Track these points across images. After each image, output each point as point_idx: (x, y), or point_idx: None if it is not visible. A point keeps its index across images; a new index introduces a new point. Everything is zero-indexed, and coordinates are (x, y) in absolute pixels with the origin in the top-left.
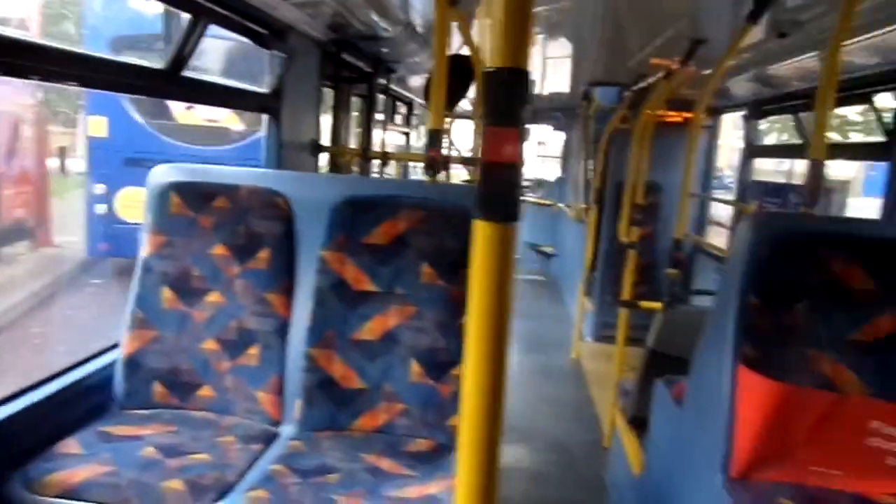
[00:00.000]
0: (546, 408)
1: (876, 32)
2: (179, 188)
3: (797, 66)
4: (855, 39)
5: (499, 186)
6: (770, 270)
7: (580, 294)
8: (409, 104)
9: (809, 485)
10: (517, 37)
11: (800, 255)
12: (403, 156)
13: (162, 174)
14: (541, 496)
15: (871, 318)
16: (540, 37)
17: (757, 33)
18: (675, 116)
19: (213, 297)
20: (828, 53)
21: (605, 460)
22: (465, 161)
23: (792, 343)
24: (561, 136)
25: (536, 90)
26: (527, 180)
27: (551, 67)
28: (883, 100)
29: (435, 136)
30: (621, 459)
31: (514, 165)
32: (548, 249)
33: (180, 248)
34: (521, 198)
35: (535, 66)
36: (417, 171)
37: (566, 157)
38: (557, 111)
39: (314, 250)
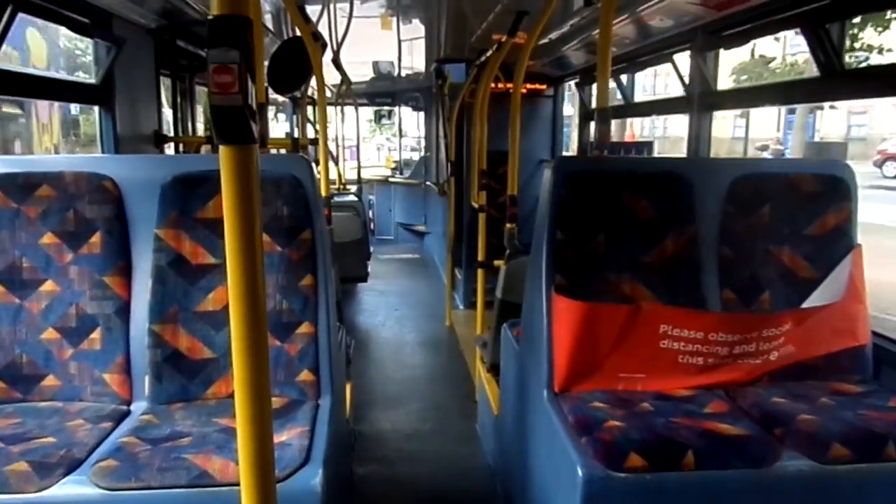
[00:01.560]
0: (422, 373)
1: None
2: None
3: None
4: (647, 4)
5: (229, 116)
6: (570, 207)
7: (448, 264)
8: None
9: (619, 389)
10: None
11: (594, 191)
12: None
13: None
14: (415, 451)
15: (657, 242)
16: (393, 20)
17: (577, 3)
18: (503, 88)
19: (48, 287)
20: (601, 25)
21: (475, 411)
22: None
23: (595, 269)
24: (421, 116)
25: (395, 72)
26: (395, 162)
27: (406, 49)
28: (682, 59)
29: (259, 110)
30: (485, 406)
31: (237, 97)
32: (420, 228)
33: (6, 240)
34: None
35: (392, 50)
36: None
37: (428, 136)
38: (416, 92)
39: (149, 229)
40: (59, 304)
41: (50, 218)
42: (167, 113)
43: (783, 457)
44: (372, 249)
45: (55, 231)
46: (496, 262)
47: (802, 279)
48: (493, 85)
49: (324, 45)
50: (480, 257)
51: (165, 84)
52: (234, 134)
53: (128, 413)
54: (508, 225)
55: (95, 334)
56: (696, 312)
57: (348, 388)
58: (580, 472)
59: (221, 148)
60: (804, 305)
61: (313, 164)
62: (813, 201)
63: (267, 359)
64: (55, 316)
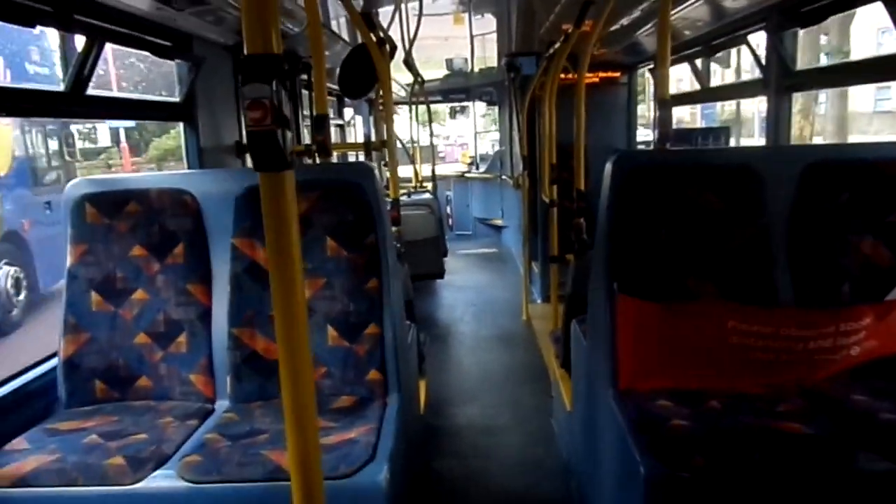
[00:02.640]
0: (498, 368)
1: None
2: (93, 199)
3: (682, 17)
4: None
5: (264, 145)
6: (632, 202)
7: (525, 259)
8: (339, 97)
9: (686, 387)
10: (264, 28)
11: (657, 186)
12: (336, 146)
13: (76, 187)
14: (490, 446)
15: (724, 236)
16: (465, 16)
17: None
18: (573, 79)
19: (139, 295)
20: (660, 4)
21: (551, 407)
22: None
23: (659, 265)
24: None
25: (468, 68)
26: (470, 157)
27: (479, 44)
28: (758, 38)
29: (320, 121)
30: (559, 401)
31: (270, 129)
32: (497, 222)
33: (101, 254)
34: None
35: (465, 45)
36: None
37: (501, 131)
38: (489, 86)
39: (226, 240)
40: (148, 311)
41: (138, 232)
42: None
43: (859, 458)
44: (449, 245)
45: (143, 244)
46: (568, 257)
47: (885, 270)
48: (563, 76)
49: (393, 48)
50: (553, 252)
51: None
52: (269, 161)
53: (212, 411)
54: (576, 219)
55: (181, 338)
56: (766, 308)
57: (423, 384)
58: (642, 471)
59: (260, 174)
60: (888, 298)
61: (376, 170)
62: None
63: (309, 362)
64: (145, 322)
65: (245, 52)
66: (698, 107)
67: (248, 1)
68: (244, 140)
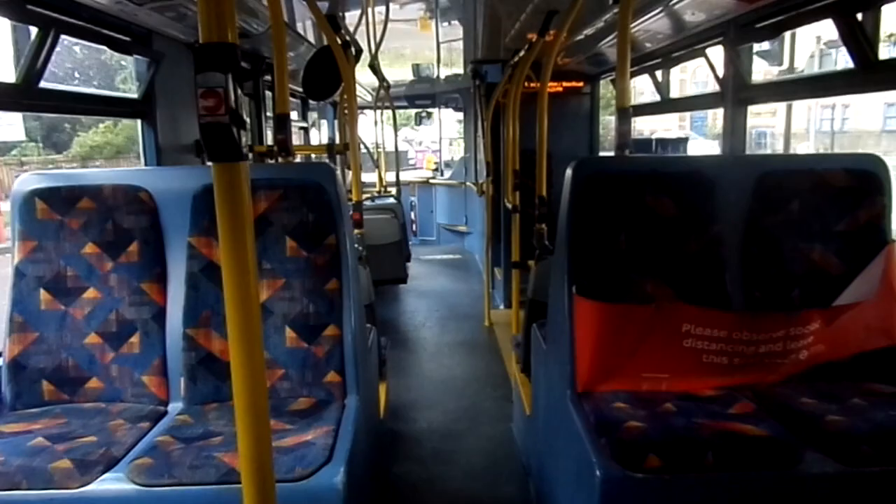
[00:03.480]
0: (460, 373)
1: None
2: (43, 194)
3: (643, 29)
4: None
5: (217, 135)
6: (591, 207)
7: (486, 265)
8: (303, 100)
9: (643, 389)
10: (220, 15)
11: (616, 192)
12: (299, 148)
13: (25, 182)
14: (450, 451)
15: (680, 241)
16: (431, 22)
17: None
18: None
19: (90, 294)
20: (619, 16)
21: (511, 412)
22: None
23: (617, 269)
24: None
25: (435, 74)
26: (434, 163)
27: (445, 51)
28: (715, 53)
29: (282, 121)
30: (519, 406)
31: (224, 118)
32: (461, 228)
33: (52, 250)
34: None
35: (432, 52)
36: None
37: (466, 137)
38: (455, 93)
39: (182, 238)
40: (100, 311)
41: (91, 229)
42: None
43: (807, 458)
44: (413, 251)
45: (96, 241)
46: (530, 263)
47: (833, 277)
48: (527, 84)
49: (359, 52)
50: (514, 257)
51: None
52: (223, 152)
53: (165, 413)
54: (538, 225)
55: (134, 338)
56: (719, 311)
57: (383, 388)
58: (598, 473)
59: (213, 165)
60: (835, 304)
61: (338, 171)
62: (844, 196)
63: (261, 362)
64: (97, 321)
65: (200, 39)
66: (687, 118)
67: None
68: None
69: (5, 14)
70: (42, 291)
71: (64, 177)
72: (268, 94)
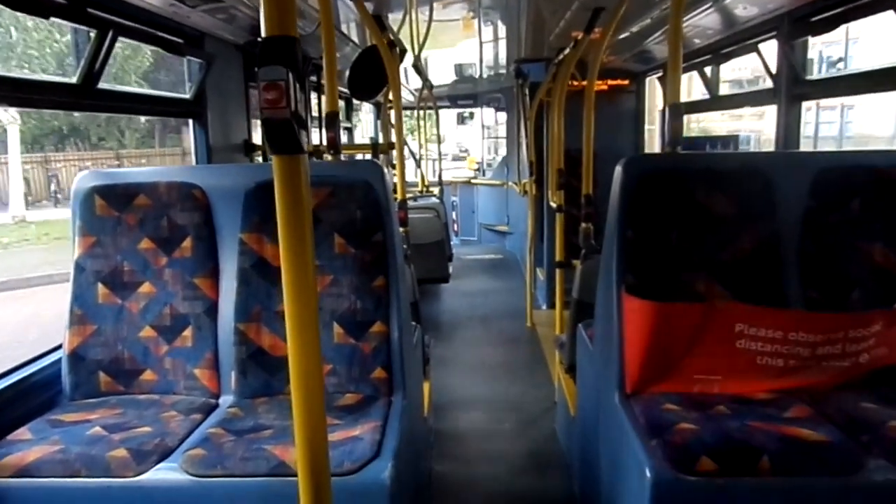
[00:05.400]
0: (502, 373)
1: None
2: (102, 191)
3: (692, 24)
4: None
5: (278, 129)
6: (641, 205)
7: (529, 265)
8: (348, 100)
9: (694, 391)
10: (282, 9)
11: (666, 189)
12: (344, 147)
13: (85, 180)
14: (494, 451)
15: (734, 239)
16: (474, 22)
17: None
18: (582, 85)
19: (145, 288)
20: (671, 11)
21: (554, 412)
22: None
23: (668, 268)
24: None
25: (477, 74)
26: (477, 162)
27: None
28: (768, 48)
29: (332, 119)
30: (563, 407)
31: (285, 111)
32: (502, 228)
33: (109, 246)
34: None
35: (473, 52)
36: None
37: (509, 137)
38: (497, 92)
39: (234, 234)
40: (155, 305)
41: (147, 225)
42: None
43: (868, 465)
44: (454, 251)
45: (151, 237)
46: (574, 262)
47: None
48: (571, 83)
49: (402, 52)
50: (558, 257)
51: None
52: (284, 144)
53: (216, 406)
54: (584, 224)
55: (187, 332)
56: (774, 310)
57: (426, 386)
58: (648, 475)
59: (273, 157)
60: None
61: (386, 169)
62: None
63: (318, 356)
64: (152, 315)
65: (263, 34)
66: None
67: None
68: (252, 139)
69: (67, 17)
70: (100, 285)
71: (121, 174)
72: (312, 95)
